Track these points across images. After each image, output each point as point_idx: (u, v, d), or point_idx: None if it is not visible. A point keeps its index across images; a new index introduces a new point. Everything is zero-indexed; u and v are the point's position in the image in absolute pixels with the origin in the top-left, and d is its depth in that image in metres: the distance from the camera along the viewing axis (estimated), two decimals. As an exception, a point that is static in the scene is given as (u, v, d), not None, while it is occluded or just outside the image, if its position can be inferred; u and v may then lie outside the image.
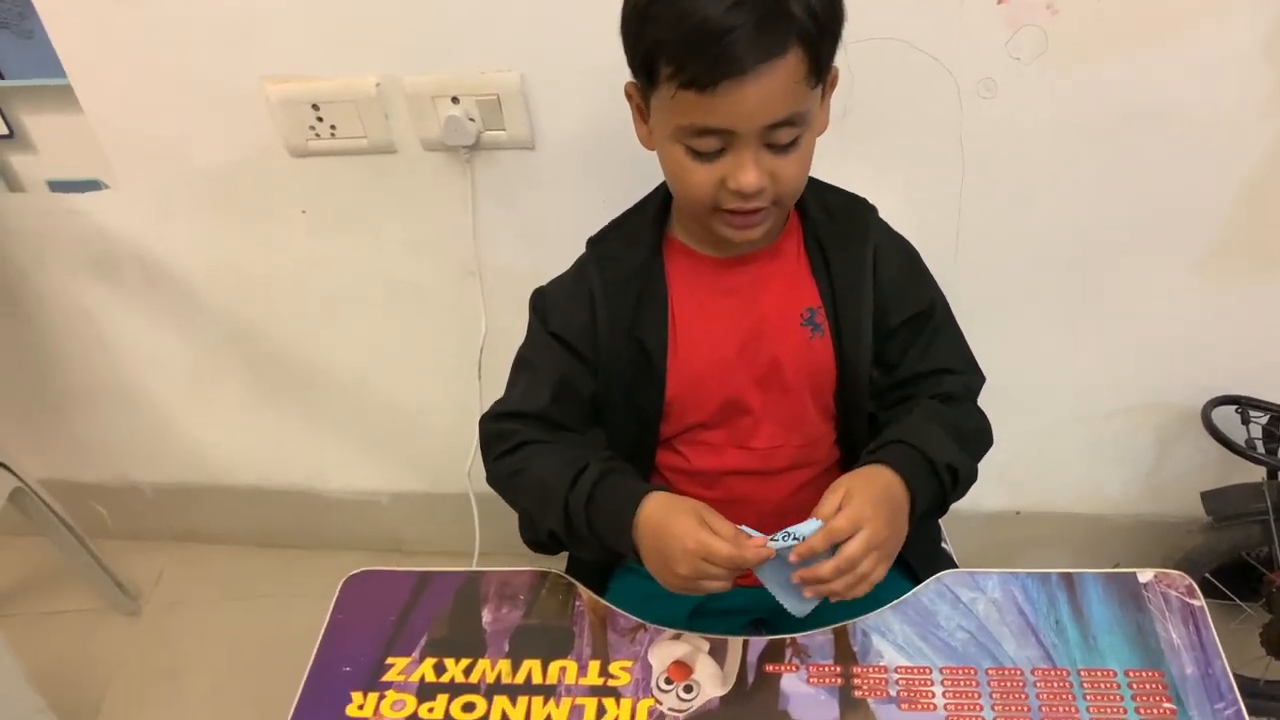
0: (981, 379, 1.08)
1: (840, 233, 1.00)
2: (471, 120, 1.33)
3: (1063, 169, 1.33)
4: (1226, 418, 1.46)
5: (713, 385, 1.01)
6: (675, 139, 0.86)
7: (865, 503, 0.85)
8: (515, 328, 1.56)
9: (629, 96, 0.92)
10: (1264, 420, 1.47)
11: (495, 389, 1.57)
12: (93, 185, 1.50)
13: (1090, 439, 1.62)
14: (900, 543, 0.89)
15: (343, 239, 1.52)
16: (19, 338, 1.73)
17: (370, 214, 1.49)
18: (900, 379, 1.04)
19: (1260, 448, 1.44)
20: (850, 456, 1.08)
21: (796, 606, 0.89)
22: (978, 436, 1.04)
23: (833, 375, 1.02)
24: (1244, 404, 1.47)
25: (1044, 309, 1.47)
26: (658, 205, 1.01)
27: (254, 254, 1.56)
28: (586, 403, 1.03)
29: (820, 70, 0.84)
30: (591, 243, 1.03)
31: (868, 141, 1.28)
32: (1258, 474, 1.47)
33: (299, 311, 1.63)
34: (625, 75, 0.91)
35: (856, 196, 1.04)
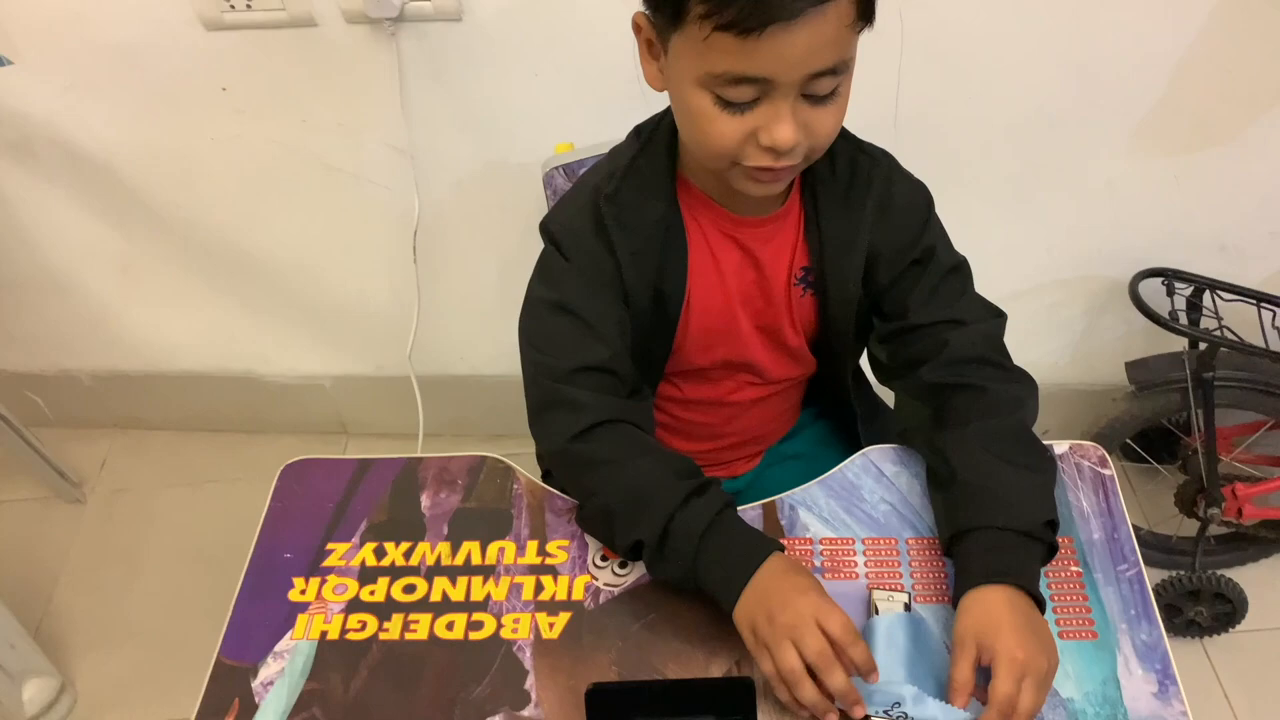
0: (999, 320, 0.98)
1: (840, 195, 0.93)
2: (394, -10, 1.28)
3: (1000, 41, 1.31)
4: (1153, 290, 1.50)
5: (719, 336, 0.99)
6: (703, 86, 0.77)
7: (1012, 652, 0.77)
8: (448, 207, 1.55)
9: (637, 28, 0.82)
10: (1188, 292, 1.51)
11: (430, 271, 1.57)
12: (-5, 62, 1.43)
13: (1023, 311, 1.64)
14: (1049, 642, 0.80)
15: (266, 118, 1.47)
16: (-67, 226, 1.68)
17: (294, 92, 1.44)
18: (901, 327, 0.97)
19: (1183, 319, 1.48)
20: (828, 374, 1.07)
21: None
22: (1030, 424, 0.93)
23: (816, 327, 1.00)
24: (1169, 276, 1.51)
25: (981, 183, 1.48)
26: (667, 147, 0.91)
27: (175, 134, 1.50)
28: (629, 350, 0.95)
29: (870, 11, 0.76)
30: (607, 199, 0.90)
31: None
32: (1180, 343, 1.52)
33: (226, 194, 1.59)
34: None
35: (868, 152, 0.93)
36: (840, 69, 0.76)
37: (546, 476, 1.05)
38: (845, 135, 0.92)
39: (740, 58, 0.73)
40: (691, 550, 0.83)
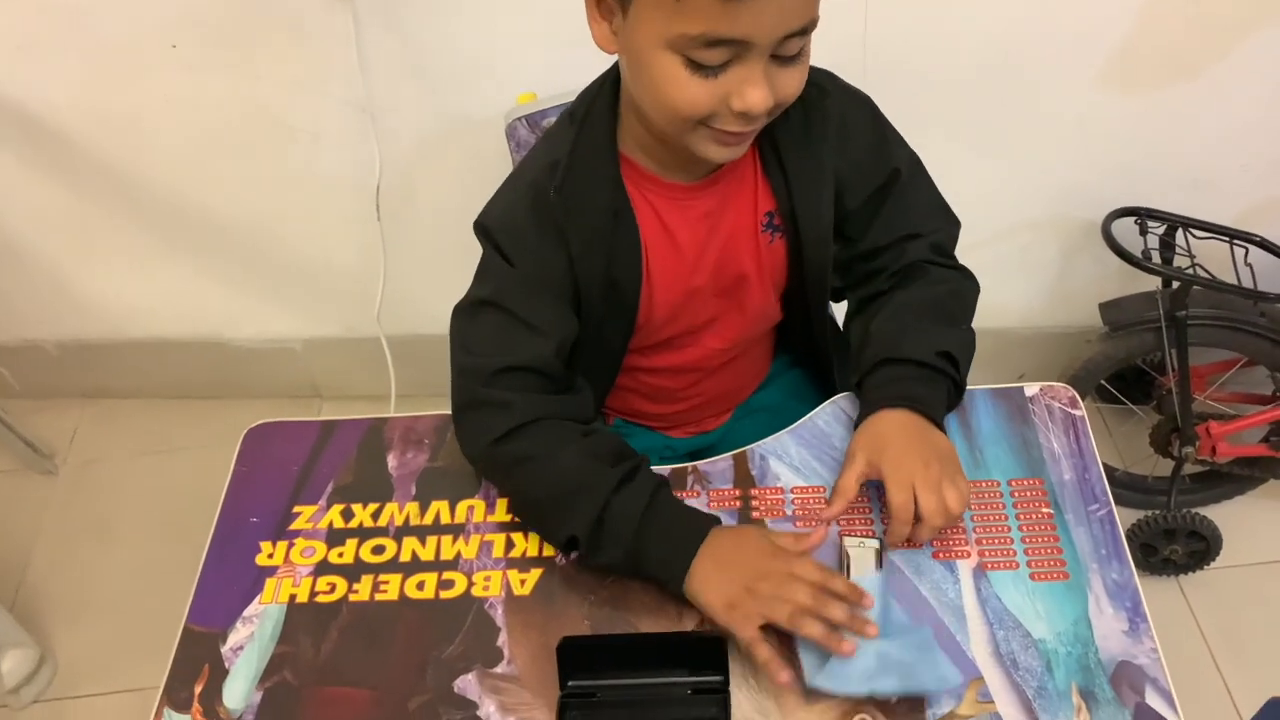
0: (953, 229, 1.00)
1: (799, 131, 0.90)
2: (346, -60, 1.24)
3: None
4: (1126, 229, 1.49)
5: (682, 312, 0.97)
6: (672, 48, 0.74)
7: (898, 461, 0.83)
8: (410, 163, 1.52)
9: None
10: (1160, 231, 1.50)
11: (395, 229, 1.55)
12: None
13: (997, 253, 1.64)
14: (946, 452, 0.86)
15: (220, 75, 1.43)
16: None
17: (247, 48, 1.40)
18: (862, 251, 0.98)
19: (1156, 258, 1.47)
20: (800, 321, 1.05)
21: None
22: (953, 300, 0.96)
23: (787, 273, 0.98)
24: (1142, 215, 1.50)
25: (953, 123, 1.46)
26: (608, 123, 0.88)
27: (126, 94, 1.47)
28: (570, 346, 0.93)
29: None
30: (557, 191, 0.87)
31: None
32: (1153, 283, 1.51)
33: (182, 154, 1.55)
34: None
35: (813, 81, 0.88)
36: (809, 28, 0.75)
37: None
38: None
39: (719, 19, 0.71)
40: (630, 536, 0.82)
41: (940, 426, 0.88)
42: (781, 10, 0.72)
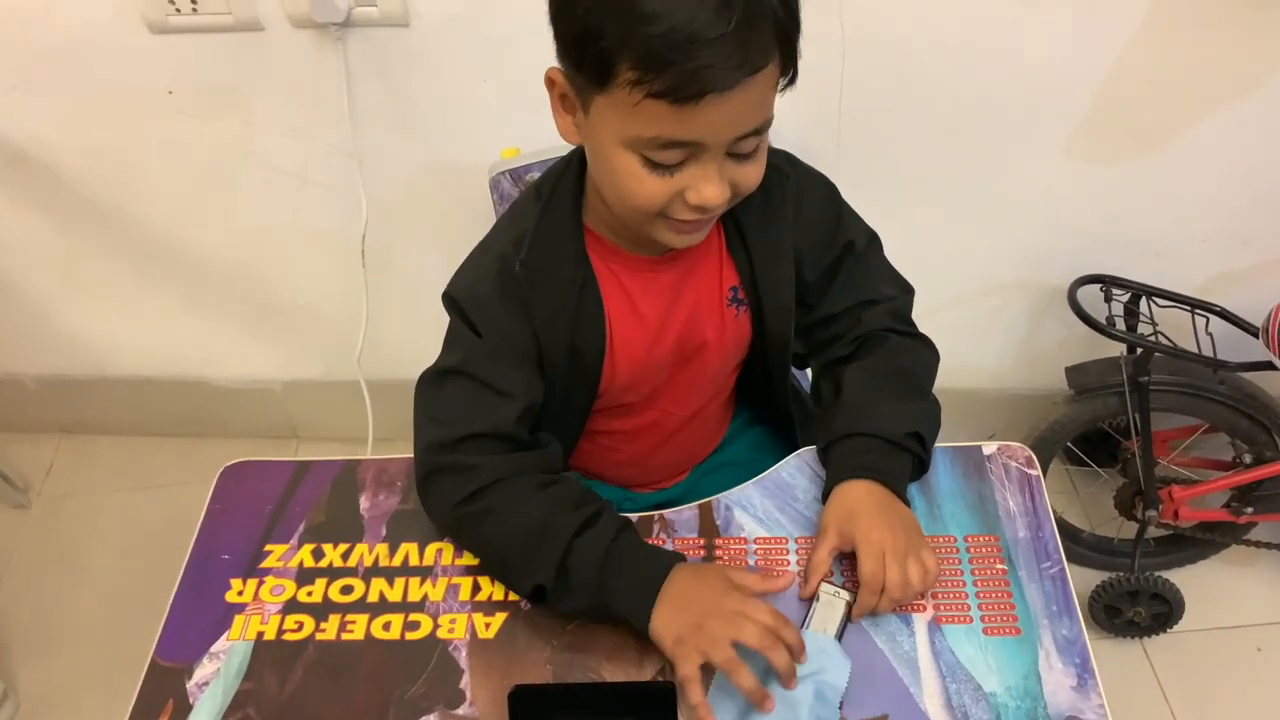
0: (908, 297, 1.03)
1: (756, 212, 0.93)
2: (341, -5, 1.28)
3: (942, 44, 1.34)
4: (1091, 296, 1.53)
5: (645, 378, 0.99)
6: (629, 147, 0.77)
7: (868, 531, 0.86)
8: (396, 211, 1.55)
9: (550, 83, 0.81)
10: (1125, 298, 1.54)
11: (379, 275, 1.57)
12: (-67, 59, 1.41)
13: (965, 315, 1.68)
14: (912, 524, 0.89)
15: (213, 121, 1.46)
16: (-127, 226, 1.65)
17: (241, 95, 1.43)
18: (820, 318, 1.02)
19: (1120, 324, 1.51)
20: (762, 385, 1.07)
21: None
22: (920, 369, 0.99)
23: (750, 342, 1.01)
24: (1107, 283, 1.54)
25: (923, 188, 1.51)
26: (571, 203, 0.91)
27: (119, 136, 1.50)
28: (538, 410, 0.94)
29: (793, 70, 0.77)
30: (523, 264, 0.89)
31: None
32: (1118, 349, 1.55)
33: (171, 196, 1.58)
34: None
35: (773, 163, 0.90)
36: (763, 128, 0.78)
37: None
38: None
39: (672, 124, 0.73)
40: (595, 580, 0.83)
41: (904, 499, 0.91)
42: (733, 115, 0.74)
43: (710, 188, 0.78)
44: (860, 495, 0.89)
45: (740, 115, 0.75)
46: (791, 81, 0.79)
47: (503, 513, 0.87)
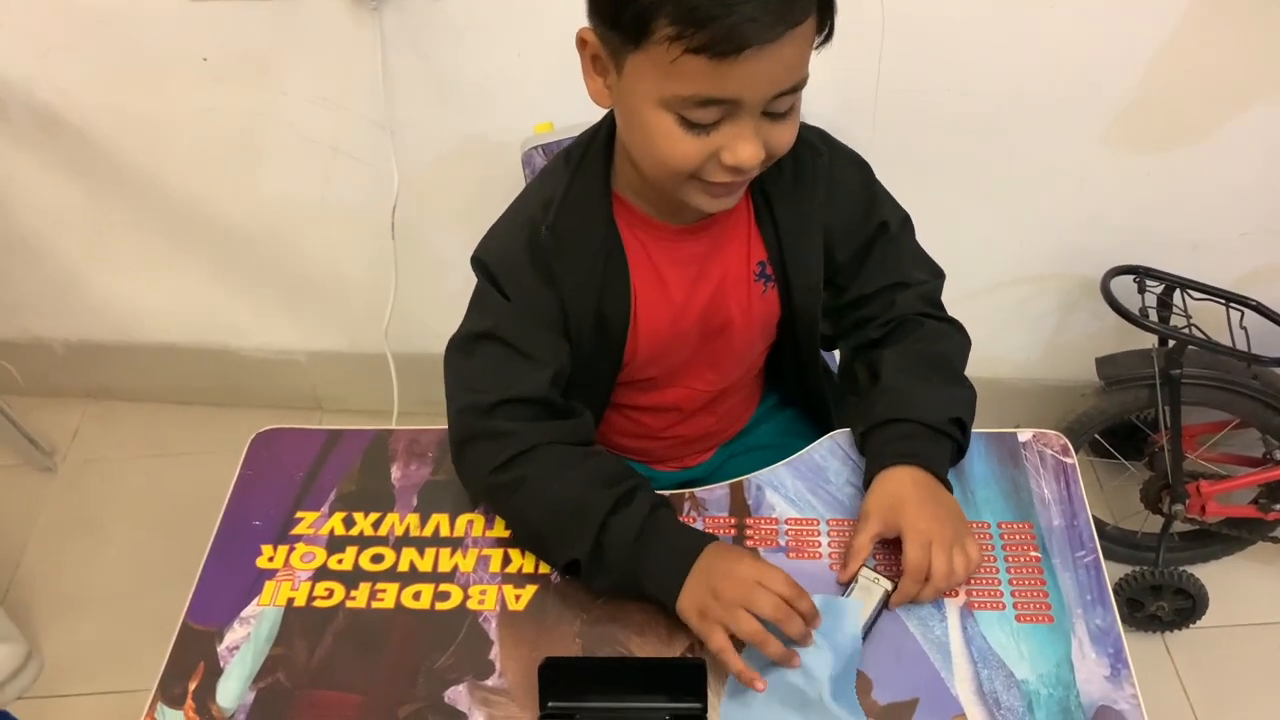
0: (939, 281, 1.02)
1: (789, 184, 0.93)
2: (378, -35, 1.28)
3: (979, 31, 1.32)
4: (1124, 287, 1.51)
5: (669, 352, 0.99)
6: (665, 107, 0.76)
7: (914, 519, 0.85)
8: (427, 184, 1.55)
9: (582, 43, 0.80)
10: (1159, 290, 1.52)
11: (408, 248, 1.57)
12: (-32, 22, 1.41)
13: (995, 305, 1.67)
14: (957, 512, 0.88)
15: (247, 90, 1.46)
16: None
17: (275, 64, 1.43)
18: (851, 299, 1.01)
19: (1153, 316, 1.50)
20: (792, 366, 1.07)
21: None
22: (956, 354, 0.99)
23: (777, 321, 1.01)
24: (1141, 274, 1.52)
25: (958, 174, 1.49)
26: (603, 164, 0.90)
27: (154, 102, 1.50)
28: (567, 377, 0.94)
29: (830, 26, 0.76)
30: (549, 229, 0.89)
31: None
32: (1149, 340, 1.53)
33: (203, 163, 1.58)
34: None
35: (805, 139, 0.91)
36: (799, 86, 0.77)
37: None
38: None
39: (711, 80, 0.72)
40: (628, 556, 0.84)
41: (947, 485, 0.90)
42: (771, 72, 0.73)
43: (746, 147, 0.77)
44: (905, 482, 0.89)
45: (779, 71, 0.74)
46: (827, 38, 0.77)
47: (538, 484, 0.87)
